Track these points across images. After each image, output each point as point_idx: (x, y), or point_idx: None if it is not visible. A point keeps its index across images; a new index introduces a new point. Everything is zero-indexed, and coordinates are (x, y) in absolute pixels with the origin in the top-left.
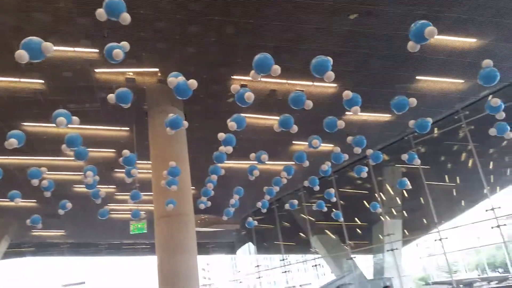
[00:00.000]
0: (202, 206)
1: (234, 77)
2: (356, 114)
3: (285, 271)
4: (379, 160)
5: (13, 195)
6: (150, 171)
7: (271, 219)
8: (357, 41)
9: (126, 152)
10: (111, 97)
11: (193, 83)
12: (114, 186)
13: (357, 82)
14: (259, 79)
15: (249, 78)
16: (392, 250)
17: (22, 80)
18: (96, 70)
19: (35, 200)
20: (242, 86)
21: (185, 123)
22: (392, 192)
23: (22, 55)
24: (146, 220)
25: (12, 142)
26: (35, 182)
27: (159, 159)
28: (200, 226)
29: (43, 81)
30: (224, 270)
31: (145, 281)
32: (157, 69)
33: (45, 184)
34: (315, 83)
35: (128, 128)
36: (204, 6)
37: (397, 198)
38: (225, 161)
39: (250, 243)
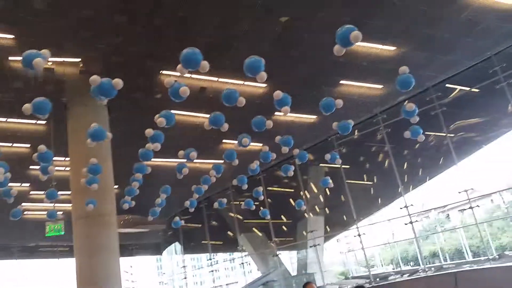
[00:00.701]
0: (126, 206)
1: (164, 72)
2: (286, 114)
3: (212, 271)
4: (305, 159)
5: None
6: (68, 168)
7: (199, 218)
8: (287, 44)
9: (42, 147)
10: (27, 107)
11: (117, 82)
12: (29, 184)
13: (286, 83)
14: (189, 75)
15: (177, 74)
16: (314, 246)
17: None
18: (10, 58)
19: None
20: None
21: (109, 135)
22: (316, 190)
23: None
24: (64, 221)
25: None
26: None
27: (79, 155)
28: (123, 227)
29: None
30: (149, 272)
31: (64, 285)
32: (79, 59)
33: None
34: (246, 83)
35: (45, 122)
36: None
37: (320, 196)
38: (152, 159)
39: (177, 243)
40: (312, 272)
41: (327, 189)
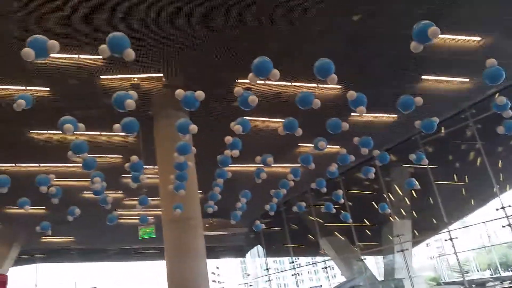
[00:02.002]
0: (210, 210)
1: (239, 80)
2: (362, 115)
3: (295, 274)
4: (386, 160)
5: (22, 202)
6: (157, 176)
7: (280, 222)
8: (361, 42)
9: (134, 158)
10: (117, 127)
11: (200, 94)
12: (122, 192)
13: (363, 83)
14: (264, 82)
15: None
16: (402, 251)
17: (28, 88)
18: (101, 77)
19: (44, 207)
20: (247, 89)
21: (193, 149)
22: (400, 193)
23: (28, 53)
24: (155, 225)
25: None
26: (43, 189)
27: (166, 163)
28: (208, 230)
29: (48, 88)
30: (234, 273)
31: (156, 285)
32: (161, 74)
33: (53, 191)
34: (320, 85)
35: (135, 134)
36: (205, 10)
37: (406, 199)
38: (231, 165)
39: (259, 246)
40: (400, 278)
41: (413, 191)
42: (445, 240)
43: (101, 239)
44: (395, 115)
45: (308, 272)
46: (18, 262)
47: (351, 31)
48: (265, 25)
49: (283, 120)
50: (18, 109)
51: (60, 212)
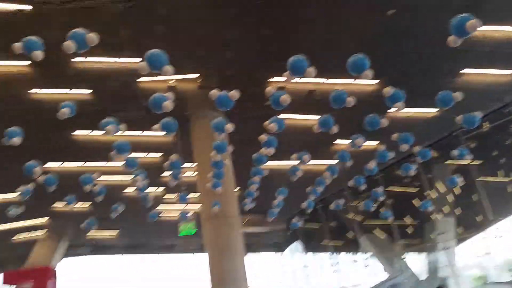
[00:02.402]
0: (247, 207)
1: (272, 79)
2: (400, 111)
3: (335, 271)
4: (428, 157)
5: (69, 199)
6: (195, 174)
7: (317, 219)
8: (397, 37)
9: (173, 156)
10: (156, 128)
11: (233, 94)
12: (162, 189)
13: (399, 78)
14: (298, 80)
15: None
16: (445, 249)
17: (71, 91)
18: (138, 80)
19: (89, 204)
20: (281, 88)
21: (230, 148)
22: (442, 190)
23: (69, 45)
24: (194, 221)
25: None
26: (87, 187)
27: (203, 162)
28: (246, 226)
29: (91, 91)
30: (272, 269)
31: (197, 280)
32: (197, 75)
33: (97, 189)
34: (355, 81)
35: (173, 133)
36: (239, 10)
37: (449, 196)
38: (267, 163)
39: (297, 243)
40: (444, 276)
41: (456, 188)
42: (495, 237)
43: (144, 235)
44: (436, 110)
45: (349, 270)
46: (66, 256)
47: (387, 26)
48: (298, 23)
49: (318, 118)
50: (62, 118)
51: (104, 209)
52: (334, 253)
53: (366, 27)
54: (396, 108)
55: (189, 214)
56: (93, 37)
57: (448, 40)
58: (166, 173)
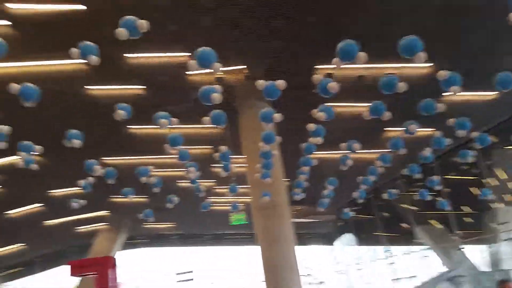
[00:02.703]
0: (297, 198)
1: (319, 66)
2: (456, 94)
3: (389, 263)
4: (487, 143)
5: (126, 191)
6: (244, 165)
7: (370, 209)
8: (451, 15)
9: (223, 148)
10: (205, 120)
11: (280, 83)
12: (214, 180)
13: (455, 59)
14: (346, 66)
15: (333, 66)
16: (508, 239)
17: (124, 86)
18: (188, 73)
19: (145, 196)
20: (328, 75)
21: (278, 138)
22: (503, 177)
23: (121, 32)
24: (245, 211)
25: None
26: (144, 179)
27: (252, 153)
28: (296, 217)
29: (144, 86)
30: (324, 261)
31: (248, 269)
32: (244, 66)
33: (153, 181)
34: (407, 65)
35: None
36: None
37: (510, 183)
38: (316, 152)
39: (349, 234)
40: (508, 269)
41: None
42: None
43: (197, 225)
44: (495, 93)
45: (403, 262)
46: (125, 247)
47: (440, 4)
48: (346, 7)
49: (368, 104)
50: (118, 118)
51: (160, 200)
52: (388, 245)
53: (418, 7)
54: (452, 92)
55: (239, 205)
56: (143, 24)
57: (508, 17)
58: (217, 165)
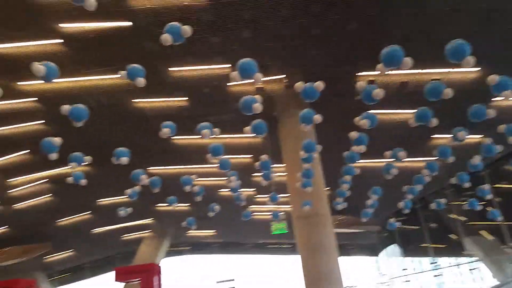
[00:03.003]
0: (339, 207)
1: (361, 73)
2: (508, 100)
3: (436, 275)
4: None
5: (170, 200)
6: (285, 174)
7: (416, 220)
8: (499, 18)
9: (264, 157)
10: (247, 130)
11: (319, 85)
12: (254, 189)
13: (505, 63)
14: (388, 72)
15: (376, 73)
16: None
17: (168, 99)
18: (229, 84)
19: (188, 204)
20: (370, 82)
21: (318, 147)
22: None
23: (166, 38)
24: (286, 220)
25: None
26: (187, 188)
27: (292, 161)
28: (338, 227)
29: (186, 98)
30: (367, 272)
31: (289, 279)
32: (283, 75)
33: (196, 190)
34: (453, 70)
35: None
36: (324, 7)
37: None
38: (358, 161)
39: (394, 245)
40: None
41: None
42: None
43: (238, 234)
44: None
45: (451, 274)
46: (168, 254)
47: (487, 6)
48: (387, 12)
49: (414, 111)
50: (164, 137)
51: (202, 209)
52: (435, 257)
53: (463, 10)
54: (504, 97)
55: (280, 214)
56: (187, 29)
57: None
58: (257, 174)
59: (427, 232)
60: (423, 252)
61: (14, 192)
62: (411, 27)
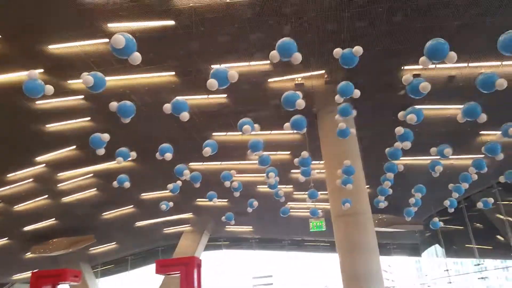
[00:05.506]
0: (381, 205)
1: (406, 67)
2: None
3: (481, 278)
4: None
5: (210, 195)
6: (324, 170)
7: (460, 220)
8: None
9: (304, 153)
10: (287, 126)
11: (357, 50)
12: (292, 186)
13: None
14: (434, 66)
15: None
16: None
17: (210, 96)
18: (269, 80)
19: (227, 200)
20: (415, 75)
21: (353, 131)
22: None
23: (212, 83)
24: (324, 218)
25: (207, 151)
26: (227, 183)
27: (332, 158)
28: (379, 226)
29: (226, 95)
30: (408, 273)
31: (326, 277)
32: (323, 71)
33: (235, 185)
34: (504, 63)
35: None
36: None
37: None
38: (401, 158)
39: (437, 245)
40: None
41: None
42: None
43: (276, 230)
44: None
45: (497, 278)
46: (207, 248)
47: None
48: (435, 3)
49: (461, 106)
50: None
51: (240, 204)
52: (480, 258)
53: None
54: None
55: (319, 211)
56: (234, 74)
57: None
58: (296, 170)
59: (472, 233)
60: (467, 253)
61: (62, 186)
62: (462, 18)
